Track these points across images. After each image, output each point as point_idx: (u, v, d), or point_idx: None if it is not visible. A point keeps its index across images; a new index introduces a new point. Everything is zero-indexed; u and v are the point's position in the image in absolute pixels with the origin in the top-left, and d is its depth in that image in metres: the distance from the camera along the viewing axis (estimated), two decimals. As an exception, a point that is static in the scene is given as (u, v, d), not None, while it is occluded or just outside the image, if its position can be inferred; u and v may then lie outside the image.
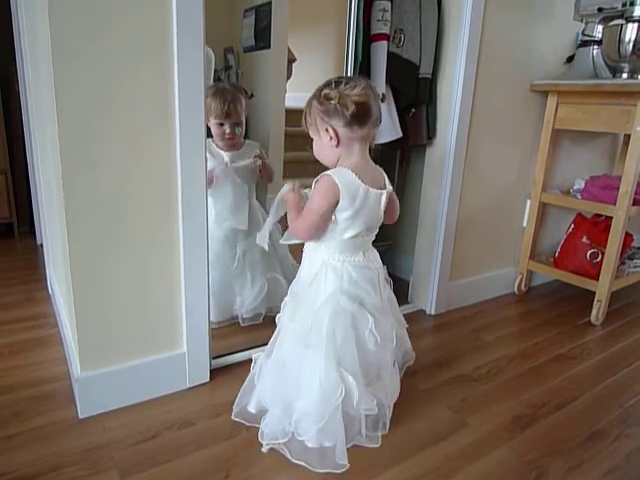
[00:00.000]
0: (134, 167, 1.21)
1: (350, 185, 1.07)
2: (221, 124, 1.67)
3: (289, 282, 1.29)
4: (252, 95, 1.80)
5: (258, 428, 1.22)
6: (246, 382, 1.30)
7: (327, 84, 1.08)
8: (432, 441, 1.25)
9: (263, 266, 1.79)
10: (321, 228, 1.11)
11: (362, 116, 1.07)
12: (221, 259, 1.74)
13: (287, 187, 1.18)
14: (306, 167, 1.95)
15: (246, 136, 2.02)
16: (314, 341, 1.10)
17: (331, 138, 1.09)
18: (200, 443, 1.21)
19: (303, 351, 1.12)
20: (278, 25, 2.19)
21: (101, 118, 1.14)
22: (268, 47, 2.22)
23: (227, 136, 1.68)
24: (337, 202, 1.07)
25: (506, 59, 1.91)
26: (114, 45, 1.11)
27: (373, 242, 2.06)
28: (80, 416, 1.28)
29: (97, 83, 1.12)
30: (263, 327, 1.75)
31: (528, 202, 2.22)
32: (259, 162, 1.71)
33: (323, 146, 1.13)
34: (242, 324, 1.77)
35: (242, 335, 1.73)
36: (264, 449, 1.16)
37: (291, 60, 2.41)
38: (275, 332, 1.25)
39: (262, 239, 1.22)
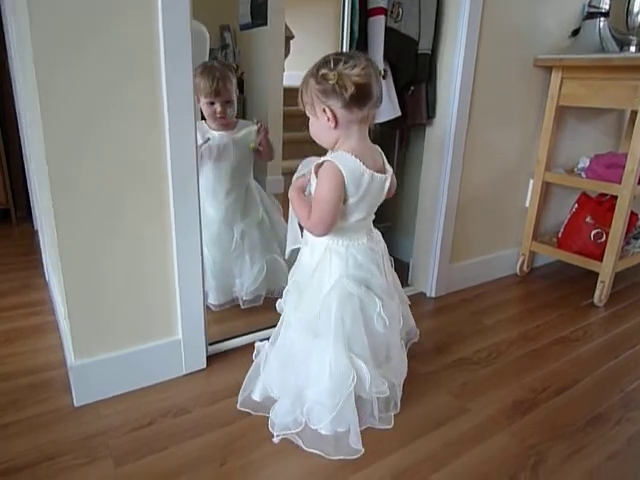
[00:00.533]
0: (120, 152, 1.18)
1: (354, 172, 1.03)
2: (211, 103, 1.62)
3: (289, 264, 1.27)
4: (242, 73, 1.74)
5: (263, 416, 1.21)
6: (250, 370, 1.28)
7: (325, 62, 1.02)
8: (432, 426, 1.23)
9: (262, 247, 1.77)
10: (337, 218, 1.06)
11: (362, 97, 1.01)
12: (219, 241, 1.72)
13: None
14: (305, 148, 1.92)
15: (244, 116, 1.98)
16: (322, 329, 1.08)
17: (329, 119, 1.03)
18: (196, 430, 1.20)
19: (311, 339, 1.10)
20: (275, 1, 2.13)
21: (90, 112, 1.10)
22: (265, 24, 2.16)
23: (218, 115, 1.63)
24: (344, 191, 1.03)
25: (509, 33, 1.84)
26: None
27: (375, 223, 2.03)
28: (76, 404, 1.28)
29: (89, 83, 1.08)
30: (262, 310, 1.74)
31: (531, 182, 2.17)
32: (252, 145, 1.66)
33: (320, 127, 1.07)
34: (242, 306, 1.76)
35: (241, 319, 1.72)
36: (275, 440, 1.14)
37: (289, 37, 2.35)
38: (280, 320, 1.23)
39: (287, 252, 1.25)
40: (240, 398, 1.27)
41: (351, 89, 0.99)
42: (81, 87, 1.08)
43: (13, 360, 1.47)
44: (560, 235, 2.18)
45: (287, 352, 1.16)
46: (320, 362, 1.08)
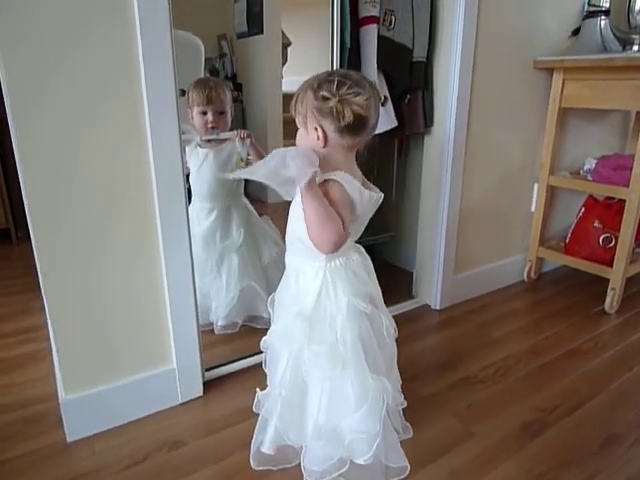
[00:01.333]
0: (106, 178, 1.14)
1: (356, 192, 0.98)
2: (204, 112, 1.58)
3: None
4: (238, 95, 1.70)
5: (286, 468, 1.13)
6: (257, 425, 1.15)
7: (328, 81, 0.94)
8: (436, 454, 1.18)
9: (239, 273, 1.68)
10: (347, 235, 0.99)
11: (358, 127, 0.96)
12: (196, 260, 1.66)
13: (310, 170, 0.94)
14: None
15: (243, 126, 1.93)
16: (346, 357, 1.02)
17: (318, 138, 0.98)
18: (190, 466, 1.16)
19: (336, 370, 1.02)
20: (270, 9, 2.11)
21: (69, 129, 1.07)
22: (261, 32, 2.14)
23: (210, 125, 1.59)
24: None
25: (506, 35, 1.78)
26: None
27: (376, 233, 1.94)
28: (68, 440, 1.24)
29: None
30: (254, 334, 1.63)
31: (536, 186, 2.11)
32: (241, 163, 1.62)
33: (308, 141, 1.01)
34: (216, 332, 1.67)
35: (239, 341, 1.67)
36: None
37: (286, 44, 2.31)
38: (282, 365, 1.10)
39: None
40: (252, 458, 1.14)
41: (349, 118, 0.93)
42: (57, 115, 1.05)
43: (8, 392, 1.44)
44: (567, 240, 2.11)
45: (301, 391, 1.07)
46: (349, 390, 1.03)
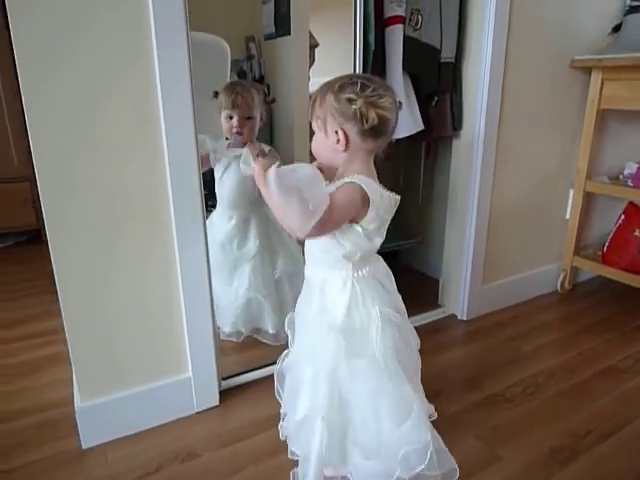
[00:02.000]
0: (119, 184, 1.13)
1: (375, 194, 0.94)
2: (230, 117, 1.55)
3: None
4: (274, 99, 1.66)
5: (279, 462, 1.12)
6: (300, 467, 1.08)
7: (351, 83, 0.93)
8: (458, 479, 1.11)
9: (249, 283, 1.64)
10: (327, 229, 0.95)
11: (380, 130, 0.94)
12: (215, 264, 1.63)
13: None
14: None
15: (271, 128, 1.87)
16: (385, 368, 0.98)
17: (339, 141, 0.95)
18: (202, 479, 1.13)
19: (382, 382, 0.98)
20: (298, 10, 2.07)
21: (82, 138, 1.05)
22: (289, 33, 2.11)
23: (235, 130, 1.55)
24: (364, 210, 0.94)
25: (540, 34, 1.69)
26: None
27: (402, 238, 1.85)
28: (83, 447, 1.23)
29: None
30: (260, 345, 1.63)
31: (571, 192, 2.00)
32: (249, 172, 1.57)
33: (326, 145, 0.98)
34: (221, 338, 1.62)
35: (250, 351, 1.63)
36: None
37: (313, 45, 2.28)
38: (306, 387, 1.03)
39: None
40: None
41: (373, 120, 0.91)
42: (64, 117, 1.04)
43: (25, 395, 1.45)
44: (605, 249, 2.00)
45: (341, 410, 1.01)
46: (394, 403, 0.99)
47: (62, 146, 1.06)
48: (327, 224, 0.92)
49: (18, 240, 2.81)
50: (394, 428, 0.98)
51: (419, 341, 1.08)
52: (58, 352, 1.66)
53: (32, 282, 2.31)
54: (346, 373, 0.98)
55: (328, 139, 0.96)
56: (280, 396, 1.11)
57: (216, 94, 1.56)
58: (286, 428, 1.11)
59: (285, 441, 1.11)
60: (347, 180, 0.94)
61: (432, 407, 1.11)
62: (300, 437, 1.06)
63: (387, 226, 1.01)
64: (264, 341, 1.64)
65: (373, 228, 0.97)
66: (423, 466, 0.97)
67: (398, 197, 1.00)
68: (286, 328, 1.08)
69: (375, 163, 1.02)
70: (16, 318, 1.94)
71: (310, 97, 0.98)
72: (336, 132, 0.94)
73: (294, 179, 0.90)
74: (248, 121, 1.56)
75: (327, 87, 0.95)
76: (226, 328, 1.65)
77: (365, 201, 0.93)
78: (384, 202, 0.96)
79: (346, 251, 0.96)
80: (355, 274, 0.99)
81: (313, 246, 1.02)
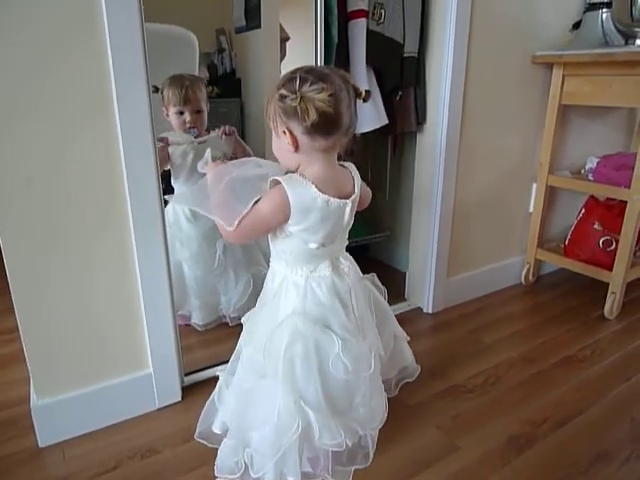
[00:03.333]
0: (69, 175, 1.10)
1: (303, 200, 0.91)
2: (180, 112, 1.55)
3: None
4: (213, 90, 1.65)
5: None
6: (209, 399, 1.14)
7: (290, 79, 0.87)
8: (416, 469, 1.13)
9: (246, 261, 1.70)
10: (253, 237, 1.03)
11: (327, 127, 0.89)
12: (200, 258, 1.66)
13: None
14: None
15: (242, 121, 1.92)
16: (270, 370, 0.97)
17: (289, 142, 0.92)
18: (162, 475, 1.12)
19: (259, 380, 1.00)
20: (268, 2, 2.05)
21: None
22: (259, 27, 2.08)
23: (188, 125, 1.56)
24: (286, 218, 0.93)
25: (502, 29, 1.71)
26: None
27: (371, 233, 1.83)
28: (40, 445, 1.21)
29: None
30: None
31: (534, 186, 2.04)
32: (220, 156, 1.56)
33: (281, 147, 0.95)
34: (231, 324, 1.68)
35: (227, 343, 1.63)
36: None
37: (284, 39, 2.26)
38: (236, 349, 1.12)
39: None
40: (199, 428, 1.14)
41: (313, 117, 0.86)
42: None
43: (-16, 394, 1.41)
44: (567, 242, 2.04)
45: (239, 388, 1.06)
46: (265, 406, 0.98)
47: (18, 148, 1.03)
48: (247, 232, 0.95)
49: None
50: (255, 427, 1.01)
51: (372, 366, 1.03)
52: (17, 350, 1.61)
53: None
54: (241, 357, 1.06)
55: (280, 140, 0.94)
56: None
57: (156, 89, 1.53)
58: None
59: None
60: (280, 179, 0.92)
61: (341, 437, 0.99)
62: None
63: (332, 232, 0.98)
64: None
65: (299, 230, 0.95)
66: (260, 475, 1.00)
67: (346, 201, 0.96)
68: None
69: (340, 158, 1.01)
70: (-23, 317, 1.88)
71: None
72: (284, 132, 0.91)
73: (227, 184, 0.93)
74: (199, 115, 1.58)
75: (276, 85, 0.92)
76: (234, 313, 1.69)
77: (288, 206, 0.91)
78: (317, 206, 0.92)
79: (279, 247, 1.00)
80: (289, 271, 1.00)
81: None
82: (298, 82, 0.86)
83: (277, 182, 0.93)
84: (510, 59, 1.78)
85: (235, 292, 1.69)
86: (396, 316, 1.83)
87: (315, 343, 0.97)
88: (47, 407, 1.20)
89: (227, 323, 1.70)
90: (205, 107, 1.59)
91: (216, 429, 1.12)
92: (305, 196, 0.91)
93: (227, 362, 1.46)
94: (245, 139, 2.09)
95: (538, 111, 1.93)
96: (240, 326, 1.12)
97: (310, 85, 0.86)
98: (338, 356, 0.97)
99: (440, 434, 1.24)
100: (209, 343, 1.66)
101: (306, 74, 0.87)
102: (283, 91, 0.87)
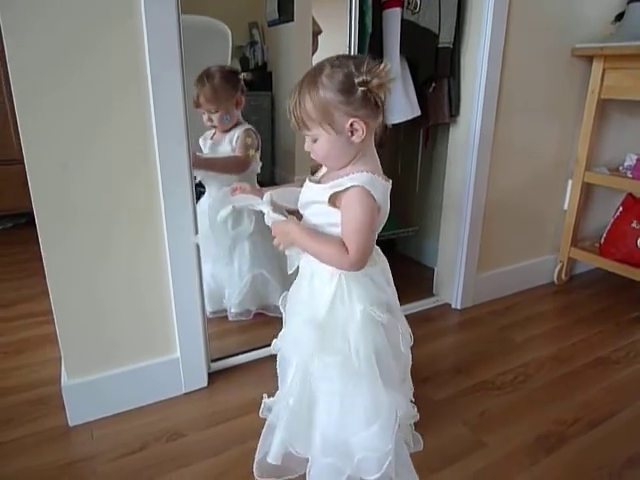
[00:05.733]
0: (108, 165, 1.12)
1: (382, 193, 0.89)
2: (203, 112, 1.56)
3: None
4: (245, 78, 1.63)
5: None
6: (263, 432, 1.08)
7: (340, 66, 0.83)
8: (441, 464, 1.11)
9: (251, 261, 1.68)
10: (370, 247, 0.91)
11: (382, 105, 0.87)
12: (212, 245, 1.64)
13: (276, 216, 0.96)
14: None
15: (272, 114, 1.92)
16: (358, 369, 0.93)
17: (352, 133, 0.85)
18: (187, 458, 1.13)
19: (348, 386, 0.95)
20: (301, -5, 2.04)
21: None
22: (292, 20, 2.09)
23: (208, 123, 1.58)
24: (377, 216, 0.90)
25: (542, 20, 1.66)
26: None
27: (399, 227, 1.88)
28: (70, 424, 1.24)
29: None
30: (267, 324, 1.65)
31: (570, 182, 1.98)
32: (252, 153, 1.57)
33: (339, 145, 0.87)
34: (230, 318, 1.69)
35: (248, 334, 1.64)
36: None
37: (317, 32, 2.26)
38: (291, 372, 1.02)
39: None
40: (256, 467, 1.07)
41: (384, 94, 0.85)
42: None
43: (18, 373, 1.45)
44: (603, 241, 1.98)
45: (309, 403, 1.00)
46: (360, 406, 0.95)
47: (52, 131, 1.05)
48: (361, 246, 0.87)
49: (17, 222, 2.81)
50: (357, 431, 0.97)
51: (411, 340, 1.03)
52: (51, 332, 1.66)
53: (29, 264, 2.31)
54: (317, 368, 0.96)
55: (339, 137, 0.86)
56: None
57: None
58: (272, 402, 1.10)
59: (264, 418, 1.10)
60: (357, 184, 0.85)
61: (415, 409, 1.07)
62: (273, 413, 1.07)
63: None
64: (272, 315, 1.68)
65: (380, 223, 0.93)
66: (377, 475, 0.96)
67: (390, 183, 0.93)
68: (280, 306, 1.06)
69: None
70: (12, 298, 1.94)
71: (290, 110, 0.88)
72: (352, 124, 0.85)
73: (305, 231, 0.92)
74: (216, 114, 1.56)
75: (307, 83, 0.85)
76: (234, 309, 1.69)
77: (377, 207, 0.87)
78: (387, 195, 0.90)
79: None
80: None
81: None
82: (362, 65, 0.82)
83: (347, 188, 0.87)
84: (548, 51, 1.73)
85: (235, 287, 1.68)
86: (423, 311, 1.84)
87: (385, 330, 0.96)
88: (77, 387, 1.23)
89: (227, 317, 1.70)
90: (224, 103, 1.56)
91: (274, 460, 1.03)
92: (381, 189, 0.88)
93: (248, 352, 1.49)
94: (275, 132, 2.10)
95: (576, 106, 1.88)
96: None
97: (367, 64, 0.82)
98: (403, 335, 0.99)
99: (466, 430, 1.22)
100: (229, 335, 1.66)
101: (354, 59, 0.84)
102: (362, 77, 0.82)
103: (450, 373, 1.46)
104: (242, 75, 1.59)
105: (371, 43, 1.52)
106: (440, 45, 1.59)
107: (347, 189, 0.86)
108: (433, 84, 1.66)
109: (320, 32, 2.32)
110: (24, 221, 2.83)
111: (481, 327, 1.74)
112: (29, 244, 2.55)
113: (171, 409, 1.30)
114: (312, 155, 0.92)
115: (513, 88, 1.67)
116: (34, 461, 1.13)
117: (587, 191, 1.99)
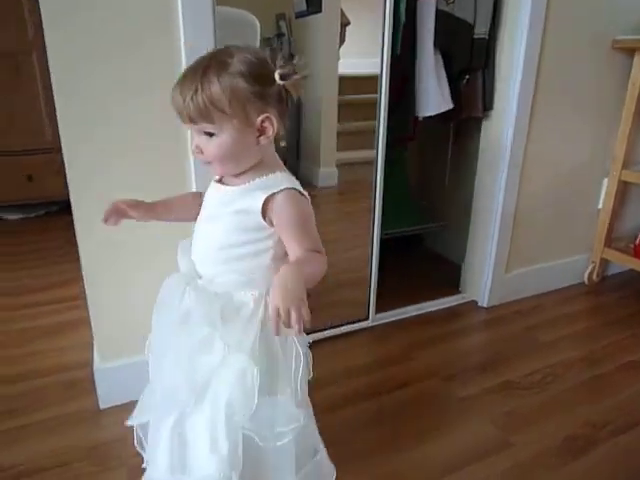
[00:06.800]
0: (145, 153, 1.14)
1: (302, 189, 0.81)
2: None
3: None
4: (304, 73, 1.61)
5: None
6: None
7: (258, 59, 0.72)
8: (466, 461, 1.10)
9: None
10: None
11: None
12: None
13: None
14: (359, 139, 1.80)
15: (299, 108, 1.85)
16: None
17: (261, 132, 0.74)
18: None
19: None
20: (330, -15, 2.03)
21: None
22: (320, 11, 2.07)
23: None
24: None
25: (580, 12, 1.61)
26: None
27: (427, 222, 1.89)
28: (100, 406, 1.27)
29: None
30: None
31: (605, 181, 1.92)
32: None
33: (246, 144, 0.75)
34: None
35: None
36: None
37: (344, 24, 2.24)
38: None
39: None
40: None
41: (300, 91, 0.76)
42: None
43: (49, 356, 1.50)
44: (638, 242, 1.92)
45: None
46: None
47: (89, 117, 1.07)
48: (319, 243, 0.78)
49: (49, 210, 2.88)
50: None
51: None
52: (83, 316, 1.70)
53: (61, 250, 2.37)
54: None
55: (246, 135, 0.74)
56: None
57: None
58: None
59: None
60: (286, 187, 0.75)
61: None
62: None
63: None
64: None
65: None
66: None
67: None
68: None
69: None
70: (44, 284, 1.99)
71: (182, 98, 0.70)
72: (262, 121, 0.73)
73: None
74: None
75: (217, 70, 0.70)
76: None
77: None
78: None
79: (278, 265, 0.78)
80: (265, 289, 0.80)
81: None
82: (277, 58, 0.74)
83: (274, 193, 0.75)
84: (588, 44, 1.68)
85: None
86: (449, 308, 1.82)
87: None
88: (108, 371, 1.26)
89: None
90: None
91: None
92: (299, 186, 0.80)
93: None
94: (301, 124, 2.08)
95: (615, 101, 1.82)
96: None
97: (282, 59, 0.73)
98: None
99: (493, 428, 1.20)
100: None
101: (262, 51, 0.75)
102: (284, 69, 0.73)
103: (476, 371, 1.44)
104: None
105: (404, 34, 1.50)
106: (475, 36, 1.55)
107: (281, 191, 0.74)
108: (467, 77, 1.63)
109: (348, 24, 2.29)
110: (56, 209, 2.90)
111: (508, 326, 1.71)
112: (61, 231, 2.64)
113: (197, 396, 1.32)
114: (200, 156, 0.76)
115: (550, 81, 1.63)
116: (64, 441, 1.16)
117: (623, 190, 1.93)
